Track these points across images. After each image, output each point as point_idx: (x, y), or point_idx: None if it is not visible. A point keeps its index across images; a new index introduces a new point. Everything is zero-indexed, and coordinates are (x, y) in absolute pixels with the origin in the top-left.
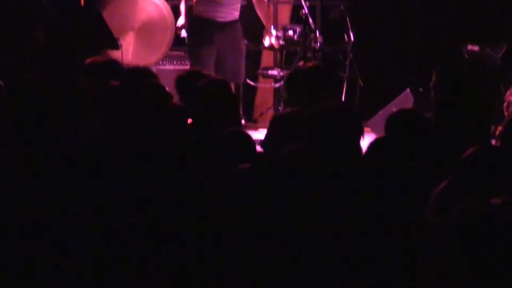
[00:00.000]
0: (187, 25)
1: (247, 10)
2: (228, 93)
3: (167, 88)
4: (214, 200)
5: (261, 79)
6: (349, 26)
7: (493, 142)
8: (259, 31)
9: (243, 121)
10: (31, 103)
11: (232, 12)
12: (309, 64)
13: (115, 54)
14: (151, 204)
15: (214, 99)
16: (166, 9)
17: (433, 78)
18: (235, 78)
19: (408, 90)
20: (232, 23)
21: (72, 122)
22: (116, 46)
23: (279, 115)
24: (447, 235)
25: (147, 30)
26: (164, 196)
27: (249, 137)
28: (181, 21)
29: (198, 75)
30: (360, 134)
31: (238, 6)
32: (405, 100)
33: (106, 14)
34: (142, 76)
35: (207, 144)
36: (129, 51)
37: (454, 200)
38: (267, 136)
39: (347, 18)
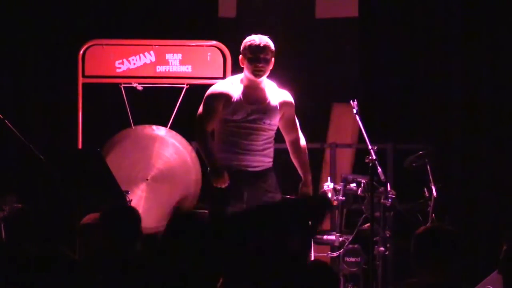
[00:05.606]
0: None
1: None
2: None
3: None
4: None
5: (314, 245)
6: (431, 178)
7: None
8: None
9: None
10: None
11: (262, 160)
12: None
13: None
14: None
15: None
16: (190, 154)
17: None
18: None
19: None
20: (263, 173)
21: None
22: (123, 202)
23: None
24: None
25: (164, 181)
26: None
27: None
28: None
29: None
30: None
31: (270, 151)
32: (494, 282)
33: (111, 161)
34: None
35: None
36: (139, 208)
37: None
38: None
39: (428, 167)
